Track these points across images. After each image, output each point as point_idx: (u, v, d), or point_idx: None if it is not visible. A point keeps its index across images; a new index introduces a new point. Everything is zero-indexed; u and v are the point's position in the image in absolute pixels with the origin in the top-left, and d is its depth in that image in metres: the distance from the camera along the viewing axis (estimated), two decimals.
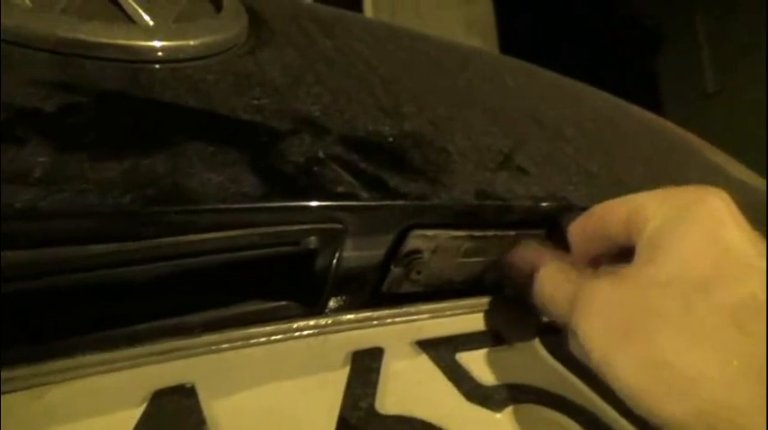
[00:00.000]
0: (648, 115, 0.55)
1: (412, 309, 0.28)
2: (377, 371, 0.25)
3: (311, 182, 0.23)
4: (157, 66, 0.25)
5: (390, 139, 0.27)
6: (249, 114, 0.24)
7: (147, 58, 0.25)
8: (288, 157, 0.23)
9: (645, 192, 0.25)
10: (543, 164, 0.31)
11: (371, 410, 0.24)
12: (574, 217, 0.28)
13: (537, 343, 0.30)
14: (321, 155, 0.24)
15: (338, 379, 0.24)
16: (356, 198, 0.23)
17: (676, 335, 0.21)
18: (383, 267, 0.27)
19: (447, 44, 0.42)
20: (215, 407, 0.22)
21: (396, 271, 0.28)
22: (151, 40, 0.25)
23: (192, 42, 0.27)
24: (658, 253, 0.23)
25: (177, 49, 0.26)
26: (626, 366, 0.21)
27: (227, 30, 0.28)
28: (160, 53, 0.25)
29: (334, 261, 0.25)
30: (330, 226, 0.24)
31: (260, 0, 0.34)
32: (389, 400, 0.24)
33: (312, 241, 0.23)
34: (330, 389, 0.24)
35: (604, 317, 0.23)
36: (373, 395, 0.24)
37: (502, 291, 0.31)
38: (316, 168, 0.23)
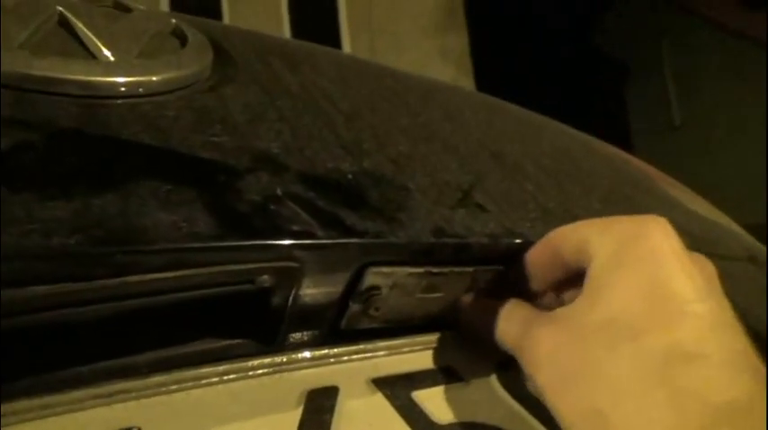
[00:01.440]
0: (610, 149, 0.57)
1: (369, 345, 0.28)
2: (331, 410, 0.24)
3: (267, 220, 0.23)
4: (117, 101, 0.25)
5: (350, 176, 0.28)
6: (207, 151, 0.25)
7: (106, 93, 0.25)
8: (244, 196, 0.23)
9: (591, 221, 0.26)
10: (501, 200, 0.32)
11: None
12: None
13: (494, 379, 0.30)
14: (278, 193, 0.24)
15: (291, 419, 0.24)
16: (312, 236, 0.24)
17: (609, 384, 0.21)
18: (341, 304, 0.27)
19: (412, 79, 0.43)
20: None
21: (354, 307, 0.28)
22: (111, 75, 0.25)
23: (153, 78, 0.27)
24: (597, 294, 0.23)
25: (138, 84, 0.26)
26: (569, 413, 0.22)
27: (190, 65, 0.28)
28: (122, 88, 0.25)
29: (291, 298, 0.25)
30: (285, 264, 0.24)
31: (227, 35, 0.34)
32: None
33: (266, 280, 0.23)
34: (283, 429, 0.24)
35: (549, 363, 0.23)
36: None
37: (460, 328, 0.31)
38: (272, 206, 0.24)
